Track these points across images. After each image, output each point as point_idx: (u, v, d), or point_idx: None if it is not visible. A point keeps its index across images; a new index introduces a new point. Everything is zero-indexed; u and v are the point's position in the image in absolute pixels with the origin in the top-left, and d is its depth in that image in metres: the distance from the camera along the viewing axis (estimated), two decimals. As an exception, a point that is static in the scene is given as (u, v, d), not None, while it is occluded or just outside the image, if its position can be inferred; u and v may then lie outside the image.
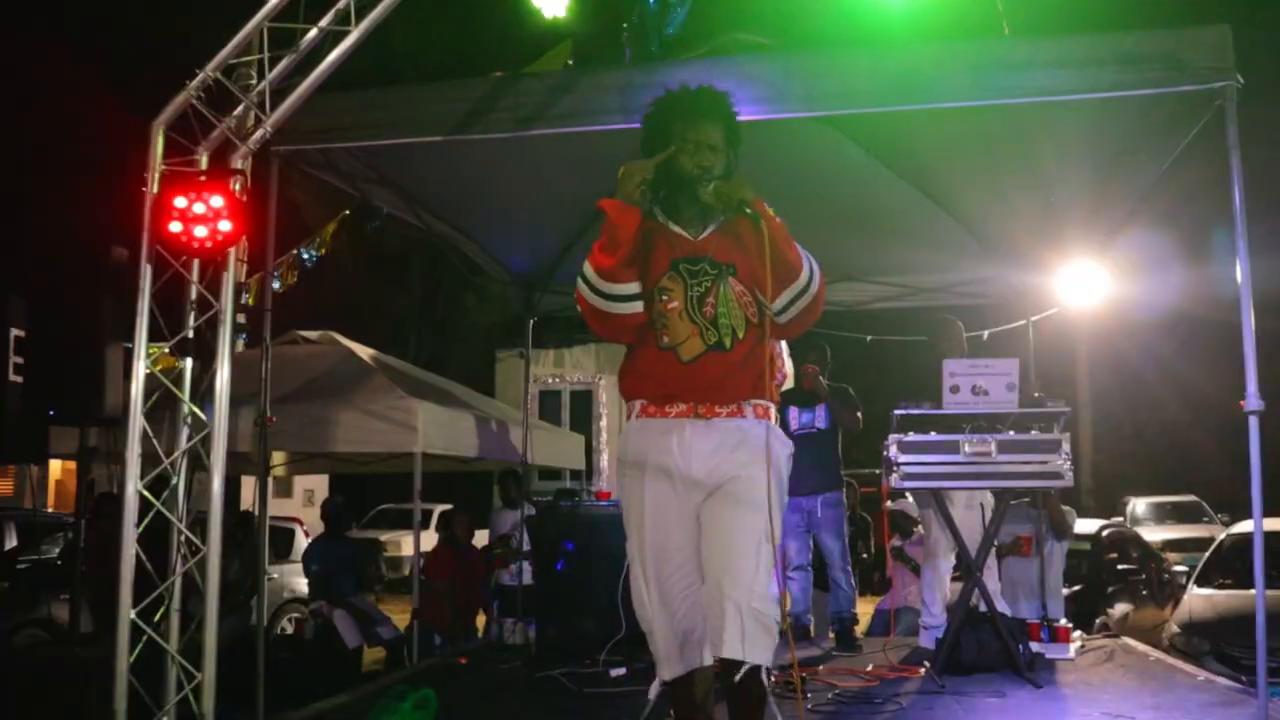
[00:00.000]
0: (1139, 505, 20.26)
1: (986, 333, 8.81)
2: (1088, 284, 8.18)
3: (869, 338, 9.22)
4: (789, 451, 3.13)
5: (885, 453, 5.97)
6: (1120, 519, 17.02)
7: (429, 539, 14.35)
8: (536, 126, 4.49)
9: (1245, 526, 9.70)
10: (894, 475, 5.89)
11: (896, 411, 5.88)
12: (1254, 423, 3.98)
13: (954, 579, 6.86)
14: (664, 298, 3.02)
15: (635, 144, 3.19)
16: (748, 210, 2.87)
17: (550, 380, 13.69)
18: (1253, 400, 3.94)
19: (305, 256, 8.99)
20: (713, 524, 2.98)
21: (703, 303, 3.01)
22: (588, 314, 3.06)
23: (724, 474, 2.98)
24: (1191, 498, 20.54)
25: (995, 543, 6.39)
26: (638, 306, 3.01)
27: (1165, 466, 25.04)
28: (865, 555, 10.92)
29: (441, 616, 8.28)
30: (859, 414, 7.13)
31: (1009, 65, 4.22)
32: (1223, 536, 9.91)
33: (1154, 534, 16.58)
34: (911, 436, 5.89)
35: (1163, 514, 20.00)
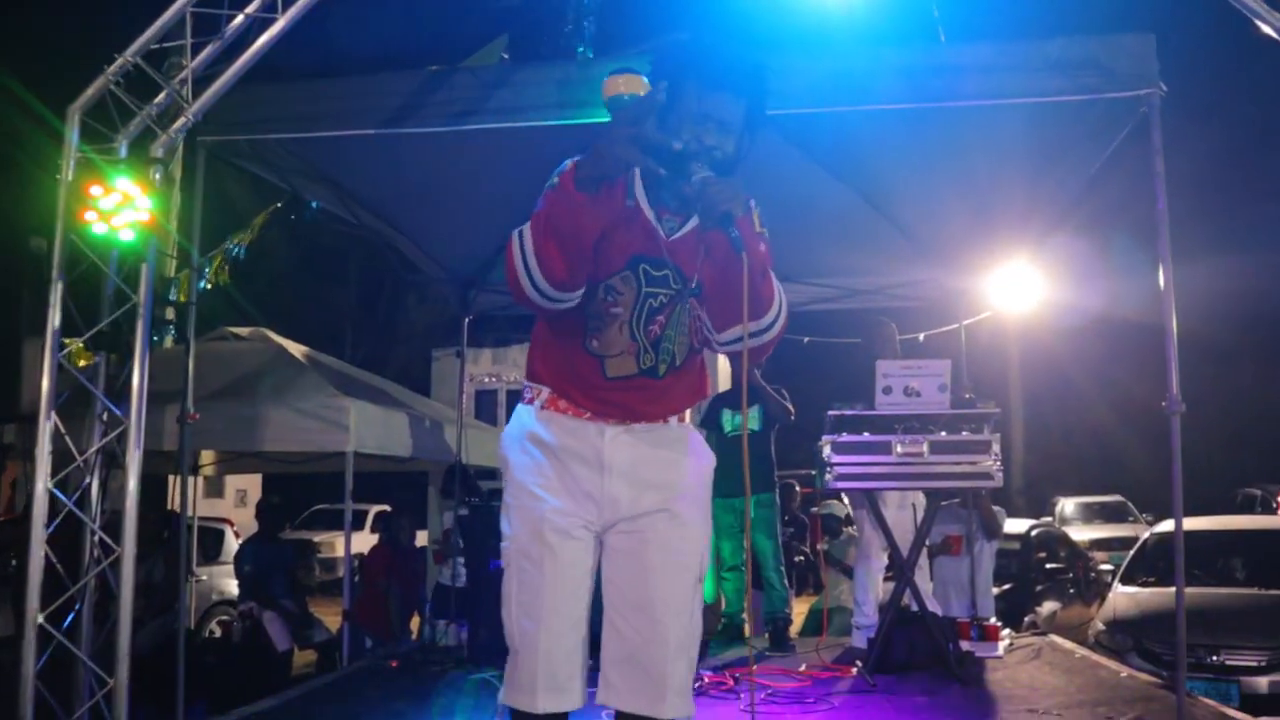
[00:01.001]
0: (1068, 505, 20.73)
1: (923, 335, 8.94)
2: (1019, 288, 8.34)
3: (806, 339, 9.28)
4: (713, 464, 2.66)
5: (819, 453, 6.00)
6: (1049, 519, 17.38)
7: (362, 540, 14.22)
8: (472, 121, 4.43)
9: (1168, 526, 9.94)
10: (828, 475, 5.92)
11: (830, 412, 5.92)
12: (1175, 424, 4.06)
13: (886, 579, 6.95)
14: (610, 298, 2.45)
15: (573, 139, 2.97)
16: (731, 232, 2.22)
17: (486, 379, 13.52)
18: (1174, 403, 4.02)
19: (235, 251, 8.79)
20: (640, 560, 2.48)
21: (651, 319, 2.47)
22: (521, 298, 2.38)
23: (648, 496, 2.51)
24: (1118, 498, 21.08)
25: (927, 543, 6.47)
26: (575, 299, 2.41)
27: (1092, 467, 25.67)
28: (800, 558, 11.01)
29: (376, 618, 8.16)
30: (789, 405, 7.19)
31: (941, 69, 4.26)
32: (1146, 536, 10.14)
33: (1082, 533, 16.96)
34: (845, 437, 5.93)
35: (1090, 514, 20.47)
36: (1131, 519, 20.01)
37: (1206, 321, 21.63)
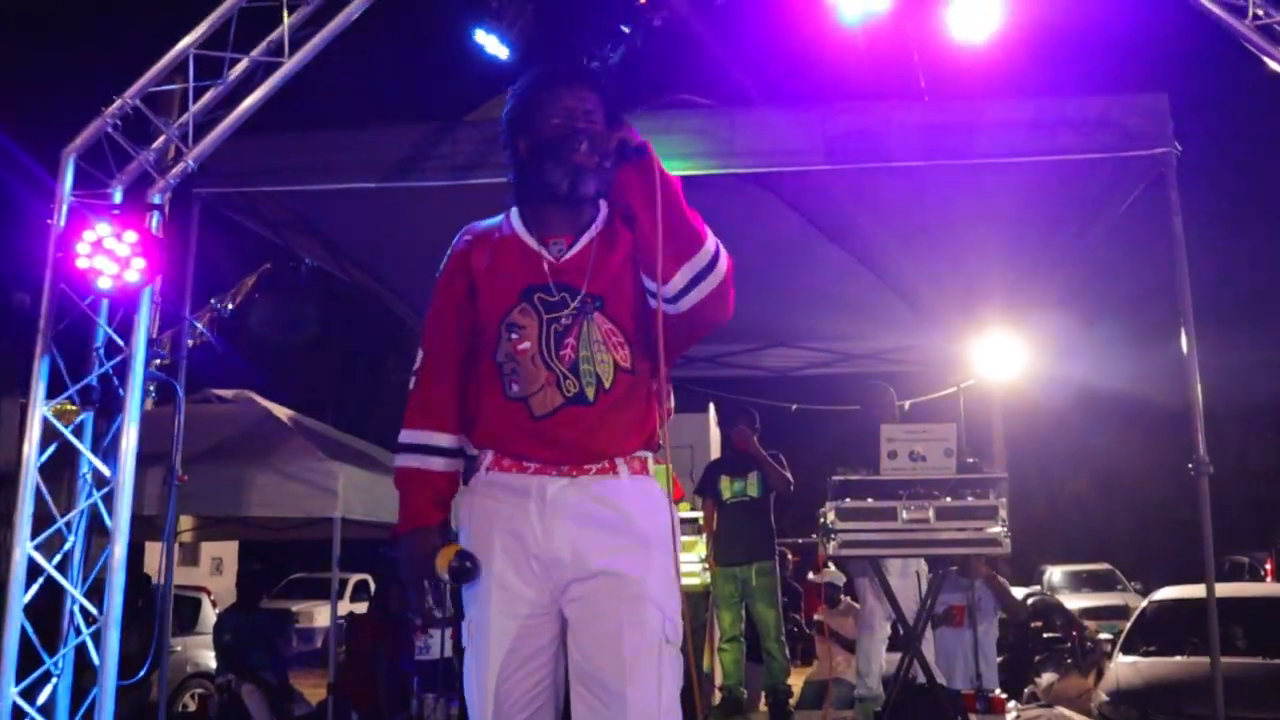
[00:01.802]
0: (1055, 574, 20.61)
1: (908, 403, 8.86)
2: (1004, 355, 8.31)
3: (794, 406, 9.19)
4: (675, 516, 2.41)
5: (822, 520, 5.85)
6: (1038, 587, 17.22)
7: (342, 610, 13.83)
8: (475, 176, 4.34)
9: (1167, 593, 9.82)
10: (832, 543, 5.77)
11: (834, 478, 5.78)
12: (1203, 485, 3.96)
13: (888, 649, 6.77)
14: (514, 336, 2.37)
15: None
16: (632, 148, 2.25)
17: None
18: (1200, 464, 3.92)
19: (218, 307, 8.63)
20: (592, 628, 2.31)
21: (560, 344, 2.36)
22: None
23: (598, 556, 2.32)
24: (1105, 566, 20.99)
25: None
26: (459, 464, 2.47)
27: (1077, 536, 25.58)
28: (795, 628, 10.79)
29: (363, 692, 7.85)
30: (788, 475, 7.06)
31: (953, 127, 4.22)
32: (1145, 604, 9.99)
33: (1070, 602, 16.79)
34: (849, 503, 5.78)
35: (1078, 582, 20.33)
36: (1120, 587, 19.89)
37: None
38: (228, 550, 18.50)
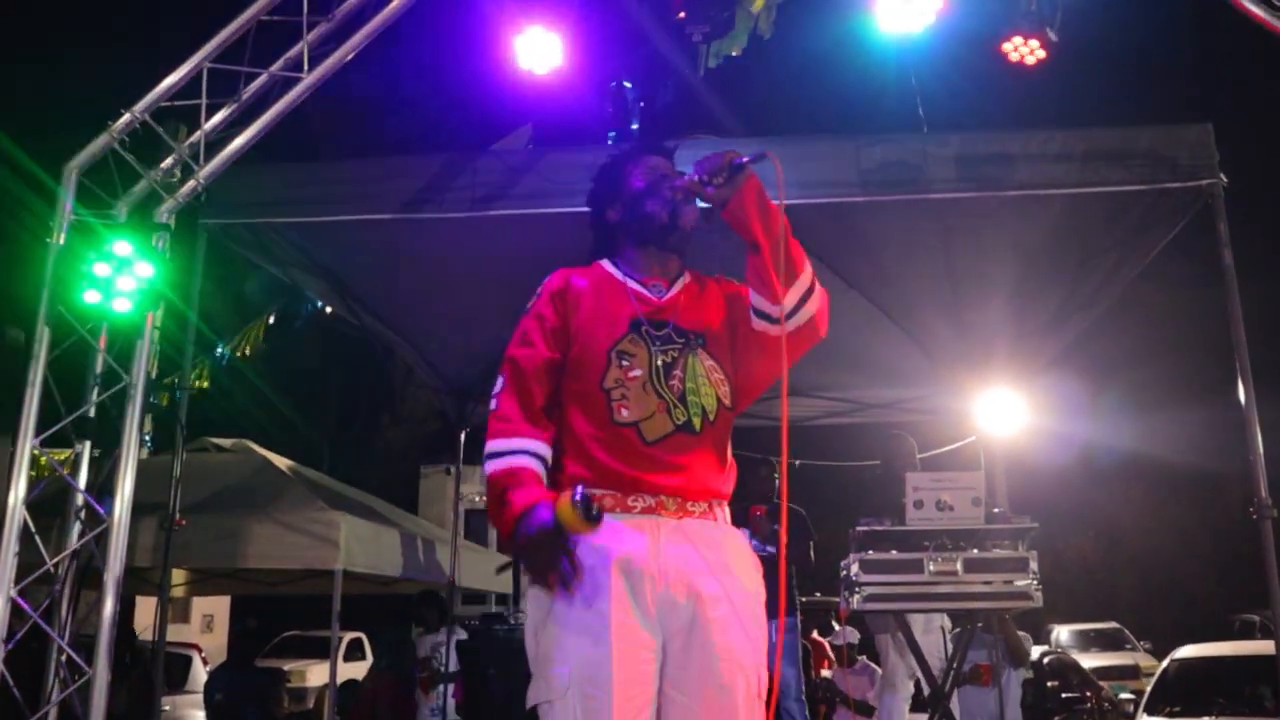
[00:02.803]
0: (1063, 633, 20.37)
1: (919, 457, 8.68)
2: (1011, 409, 8.12)
3: (798, 462, 9.00)
4: (760, 566, 2.50)
5: (844, 572, 5.62)
6: (1046, 646, 16.95)
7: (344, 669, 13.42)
8: (496, 207, 4.17)
9: (1188, 652, 9.55)
10: (855, 597, 5.52)
11: (858, 528, 5.56)
12: (1266, 528, 3.77)
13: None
14: (624, 363, 2.45)
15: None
16: (745, 162, 2.40)
17: (477, 499, 13.09)
18: (1263, 507, 3.72)
19: (220, 353, 8.41)
20: (697, 673, 2.32)
21: (669, 374, 2.46)
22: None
23: (707, 600, 2.34)
24: (1113, 625, 20.74)
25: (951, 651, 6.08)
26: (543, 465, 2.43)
27: (1082, 594, 25.24)
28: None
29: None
30: (812, 544, 6.83)
31: (994, 158, 4.08)
32: (1166, 663, 9.71)
33: (1080, 661, 16.52)
34: (873, 555, 5.55)
35: (1086, 641, 20.10)
36: (1129, 646, 19.67)
37: (1196, 451, 21.63)
38: (219, 606, 18.11)
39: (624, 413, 2.41)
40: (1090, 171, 4.07)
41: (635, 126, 5.56)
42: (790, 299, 2.45)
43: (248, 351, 8.48)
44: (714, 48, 4.59)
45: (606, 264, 2.63)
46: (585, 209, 3.49)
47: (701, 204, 2.50)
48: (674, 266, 2.63)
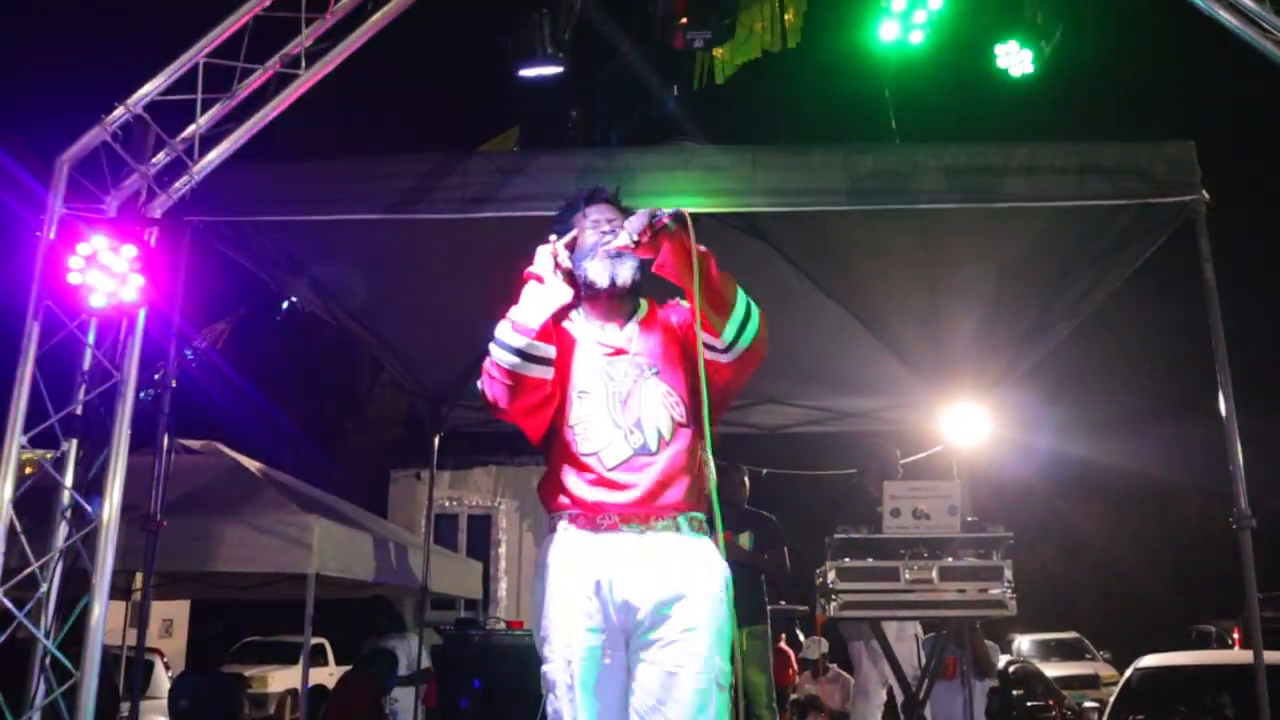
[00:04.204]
0: (1024, 642, 20.54)
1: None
2: (977, 421, 8.18)
3: (764, 471, 9.02)
4: (729, 576, 2.82)
5: (820, 580, 5.65)
6: (1010, 655, 17.09)
7: (295, 675, 13.24)
8: (486, 209, 4.16)
9: (1151, 661, 9.66)
10: (832, 604, 5.55)
11: (835, 535, 5.59)
12: (1246, 539, 3.83)
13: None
14: (583, 401, 2.84)
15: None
16: (662, 221, 2.70)
17: (447, 503, 13.02)
18: (1243, 517, 3.79)
19: (188, 355, 8.28)
20: (659, 669, 2.67)
21: (625, 404, 2.82)
22: (494, 381, 2.79)
23: (658, 602, 2.69)
24: (1074, 635, 20.97)
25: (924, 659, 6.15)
26: (548, 373, 2.80)
27: (1044, 604, 25.50)
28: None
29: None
30: (788, 550, 6.85)
31: (984, 169, 4.13)
32: (1130, 673, 9.83)
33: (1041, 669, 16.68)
34: (850, 562, 5.58)
35: (1047, 651, 20.32)
36: (1089, 656, 19.91)
37: (1156, 464, 21.95)
38: (179, 611, 17.81)
39: (586, 444, 2.79)
40: (1075, 185, 4.13)
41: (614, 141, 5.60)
42: (729, 332, 2.77)
43: (210, 344, 8.35)
44: (723, 60, 4.64)
45: (571, 315, 2.96)
46: None
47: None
48: (627, 308, 2.97)
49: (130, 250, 3.33)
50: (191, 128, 3.64)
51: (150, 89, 3.60)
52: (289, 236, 4.75)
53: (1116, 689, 9.58)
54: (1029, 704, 10.79)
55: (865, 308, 6.51)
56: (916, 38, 4.59)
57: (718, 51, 5.22)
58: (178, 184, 3.66)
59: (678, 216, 2.72)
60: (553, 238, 2.94)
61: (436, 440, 8.01)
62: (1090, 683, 17.71)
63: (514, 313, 2.80)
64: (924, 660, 6.04)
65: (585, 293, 2.94)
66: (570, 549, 2.76)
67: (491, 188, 4.15)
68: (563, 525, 2.81)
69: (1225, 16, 4.04)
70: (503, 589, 12.88)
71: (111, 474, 3.45)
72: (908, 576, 5.54)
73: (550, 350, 2.79)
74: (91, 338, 3.60)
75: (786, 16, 4.83)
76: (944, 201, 4.16)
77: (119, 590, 8.87)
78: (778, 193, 4.19)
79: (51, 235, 3.43)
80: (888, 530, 5.53)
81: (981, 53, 4.58)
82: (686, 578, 2.71)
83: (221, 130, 3.71)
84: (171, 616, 18.10)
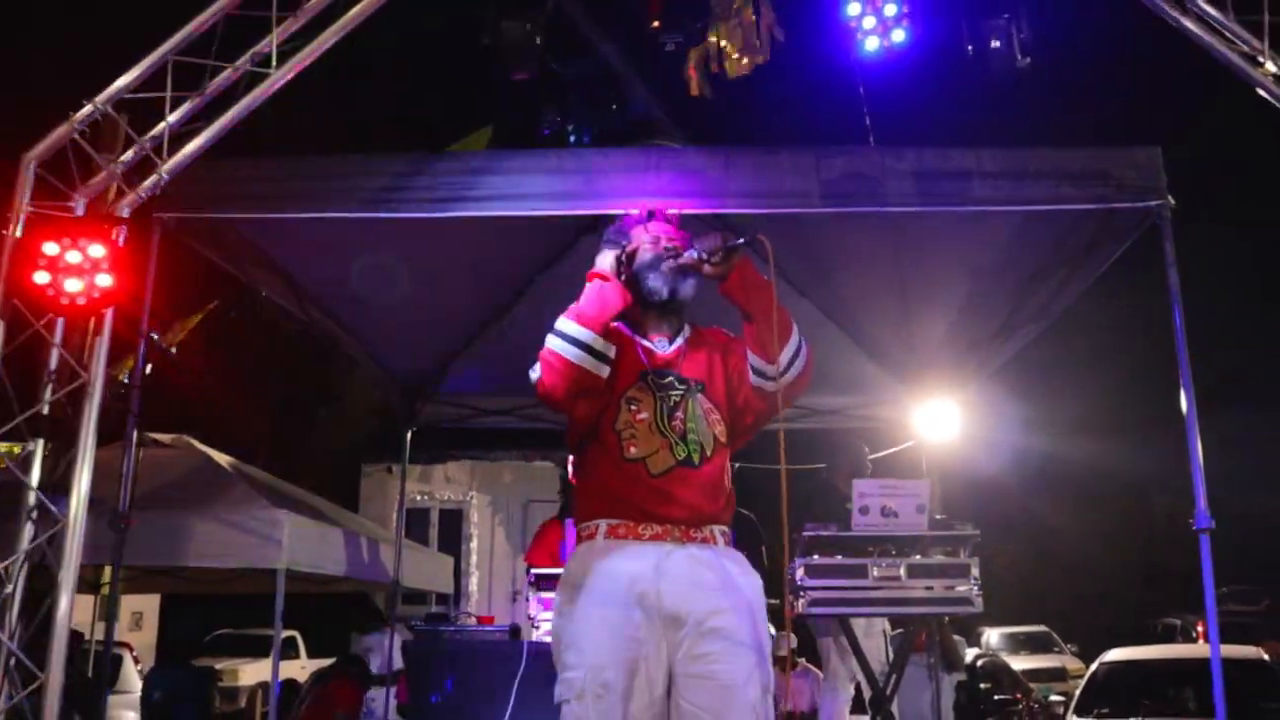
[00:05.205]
0: (993, 635, 20.76)
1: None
2: (948, 418, 8.24)
3: (736, 464, 9.01)
4: (761, 583, 2.96)
5: (790, 576, 5.69)
6: (978, 649, 17.27)
7: (264, 669, 13.16)
8: (455, 209, 4.16)
9: (1117, 655, 9.81)
10: (800, 601, 5.59)
11: (804, 533, 5.63)
12: (1205, 541, 3.90)
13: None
14: (632, 408, 2.89)
15: (545, 243, 3.05)
16: (736, 244, 2.81)
17: (418, 498, 12.99)
18: (1203, 518, 3.85)
19: (162, 348, 8.20)
20: (701, 679, 2.68)
21: (672, 416, 2.88)
22: (553, 371, 2.82)
23: (704, 614, 2.72)
24: (1042, 628, 21.20)
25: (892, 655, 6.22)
26: (604, 370, 2.86)
27: (1012, 598, 25.76)
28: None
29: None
30: (764, 549, 6.89)
31: (952, 173, 4.18)
32: (1095, 666, 9.98)
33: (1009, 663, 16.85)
34: (819, 559, 5.63)
35: (1016, 644, 20.55)
36: (1056, 649, 20.16)
37: (1124, 461, 22.20)
38: (149, 604, 17.68)
39: (632, 450, 2.83)
40: (1045, 190, 4.18)
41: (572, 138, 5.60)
42: (783, 359, 2.85)
43: (176, 343, 8.27)
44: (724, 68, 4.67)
45: (620, 324, 2.99)
46: (545, 213, 3.76)
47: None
48: (675, 324, 3.03)
49: (98, 249, 3.31)
50: (161, 126, 3.62)
51: (119, 86, 3.58)
52: (262, 233, 4.73)
53: (1082, 682, 9.73)
54: (996, 697, 10.89)
55: (838, 305, 6.56)
56: (898, 37, 4.63)
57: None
58: (146, 182, 3.63)
59: (752, 242, 2.82)
60: (608, 246, 3.01)
61: (409, 435, 8.00)
62: (1058, 676, 17.93)
63: (577, 308, 2.86)
64: (892, 656, 6.10)
65: (642, 303, 2.99)
66: (611, 558, 2.78)
67: (463, 187, 4.16)
68: (601, 533, 2.83)
69: (1190, 26, 4.11)
70: (474, 583, 12.90)
71: (78, 474, 3.44)
72: (876, 573, 5.58)
73: (610, 348, 2.86)
74: (58, 337, 3.57)
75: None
76: (913, 205, 4.19)
77: (87, 584, 8.79)
78: (750, 194, 4.22)
79: (18, 234, 3.41)
80: (856, 528, 5.57)
81: (960, 54, 4.61)
82: (730, 590, 2.77)
83: (191, 128, 3.69)
84: (142, 609, 17.97)
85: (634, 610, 2.70)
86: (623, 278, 2.92)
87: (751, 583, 2.85)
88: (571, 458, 3.06)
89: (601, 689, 2.64)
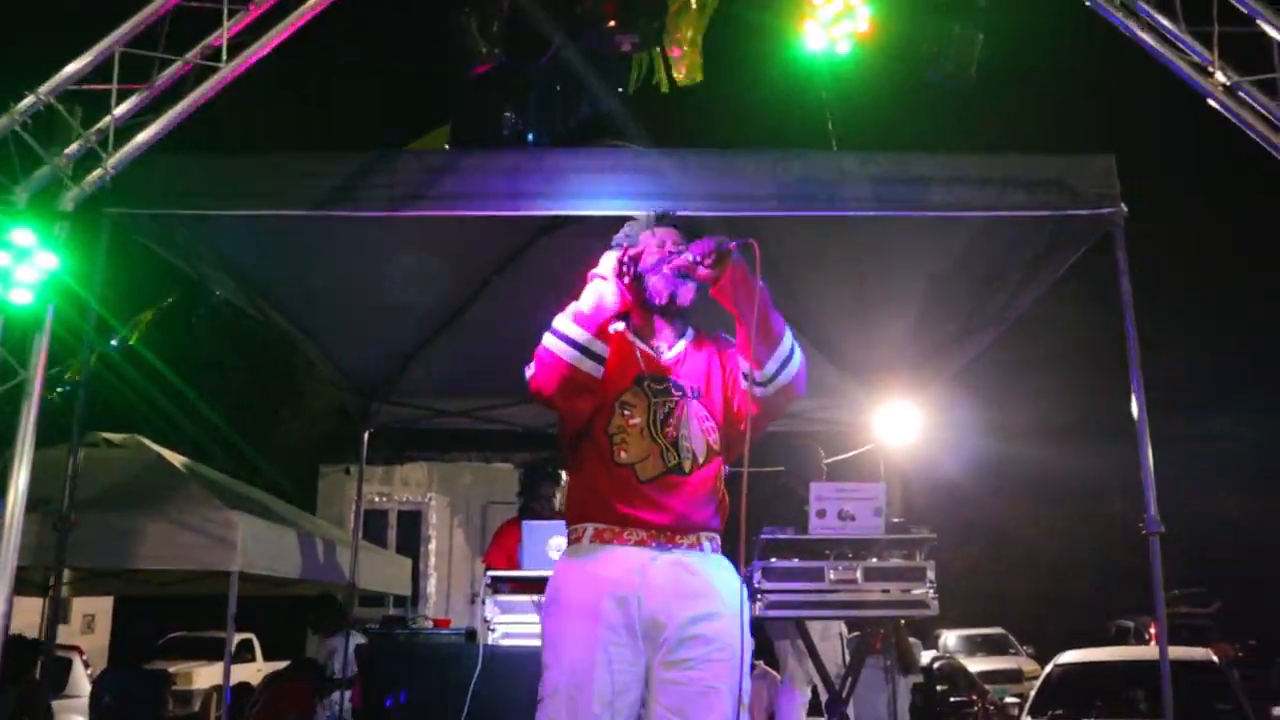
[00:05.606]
0: (950, 637, 20.93)
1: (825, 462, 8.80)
2: (907, 421, 8.30)
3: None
4: (743, 587, 2.91)
5: (749, 580, 5.70)
6: (936, 651, 17.40)
7: (216, 672, 12.99)
8: (413, 207, 4.12)
9: (1070, 657, 9.94)
10: (757, 604, 5.60)
11: (762, 536, 5.65)
12: (1154, 544, 3.95)
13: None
14: (626, 412, 2.90)
15: (503, 244, 3.00)
16: (728, 248, 2.78)
17: (377, 499, 12.88)
18: (1153, 523, 3.90)
19: (114, 346, 8.07)
20: (676, 684, 2.70)
21: (665, 422, 2.88)
22: (546, 368, 2.83)
23: (686, 620, 2.73)
24: (999, 630, 21.40)
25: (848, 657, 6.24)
26: (597, 370, 2.86)
27: (970, 600, 26.01)
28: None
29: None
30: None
31: (908, 178, 4.20)
32: (1050, 668, 10.10)
33: (966, 665, 16.99)
34: (775, 562, 5.64)
35: (973, 646, 20.73)
36: (1013, 651, 20.35)
37: (1081, 464, 22.48)
38: (101, 606, 17.42)
39: (622, 455, 2.84)
40: (1000, 196, 4.21)
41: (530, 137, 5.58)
42: (771, 366, 2.85)
43: (132, 339, 8.13)
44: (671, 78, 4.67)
45: (621, 325, 3.01)
46: (504, 214, 3.72)
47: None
48: (678, 329, 3.03)
49: (39, 245, 3.24)
50: (106, 119, 3.55)
51: (63, 76, 3.50)
52: (212, 230, 4.65)
53: (1037, 684, 9.84)
54: (952, 699, 11.00)
55: (798, 308, 6.57)
56: (844, 48, 4.65)
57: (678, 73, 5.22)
58: (90, 176, 3.56)
59: (744, 246, 2.81)
60: (615, 248, 3.00)
61: (366, 436, 7.93)
62: (1013, 677, 18.11)
63: (575, 307, 2.87)
64: (848, 658, 6.12)
65: (641, 307, 3.00)
66: (595, 561, 2.80)
67: (420, 186, 4.12)
68: (588, 536, 2.85)
69: (1143, 36, 4.17)
70: (432, 585, 12.81)
71: (15, 474, 3.37)
72: (832, 577, 5.60)
73: (605, 349, 2.86)
74: (-2, 334, 3.49)
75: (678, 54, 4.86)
76: (869, 209, 4.22)
77: (36, 587, 8.64)
78: (708, 196, 4.22)
79: (-45, 227, 3.33)
80: (814, 531, 5.59)
81: (915, 60, 4.64)
82: (714, 597, 2.77)
83: (139, 122, 3.62)
84: (93, 612, 17.71)
85: (614, 614, 2.72)
86: (627, 280, 2.92)
87: (734, 591, 2.83)
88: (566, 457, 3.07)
89: (575, 690, 2.67)
